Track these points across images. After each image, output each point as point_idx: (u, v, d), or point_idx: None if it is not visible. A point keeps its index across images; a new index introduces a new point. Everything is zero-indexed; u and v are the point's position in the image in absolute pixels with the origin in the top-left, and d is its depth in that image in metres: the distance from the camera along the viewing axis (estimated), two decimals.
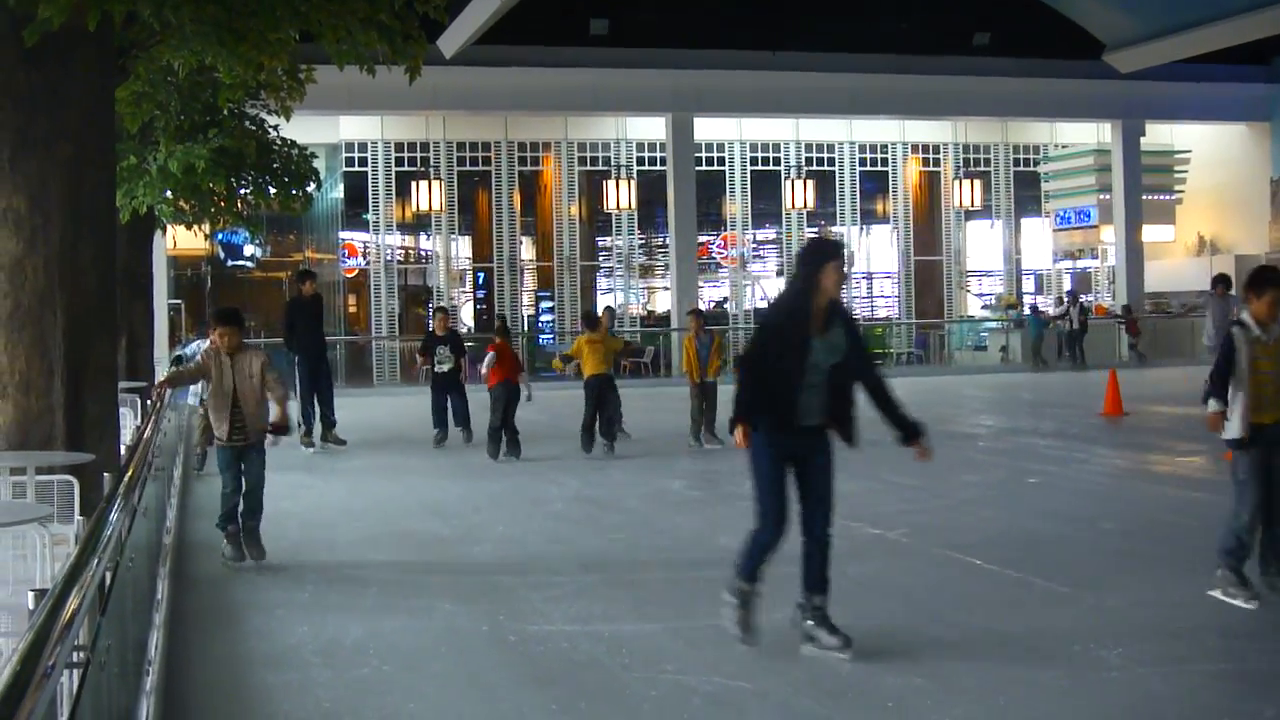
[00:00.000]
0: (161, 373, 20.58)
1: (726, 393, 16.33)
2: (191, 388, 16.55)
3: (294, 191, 18.58)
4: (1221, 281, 20.95)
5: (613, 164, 37.48)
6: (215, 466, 14.85)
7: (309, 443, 18.68)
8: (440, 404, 19.08)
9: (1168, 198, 41.55)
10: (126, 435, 11.39)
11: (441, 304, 32.31)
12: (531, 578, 10.15)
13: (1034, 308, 38.47)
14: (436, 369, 18.97)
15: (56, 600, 3.55)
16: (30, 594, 3.79)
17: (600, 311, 22.54)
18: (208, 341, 16.32)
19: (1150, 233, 40.33)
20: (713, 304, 40.00)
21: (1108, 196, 39.69)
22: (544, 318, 37.67)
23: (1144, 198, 39.82)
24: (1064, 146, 41.65)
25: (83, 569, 4.07)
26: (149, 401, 13.42)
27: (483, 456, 17.18)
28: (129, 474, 6.53)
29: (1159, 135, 41.25)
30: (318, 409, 18.94)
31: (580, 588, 9.80)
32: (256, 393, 10.83)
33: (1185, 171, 42.16)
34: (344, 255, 35.92)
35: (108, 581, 4.65)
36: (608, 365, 17.49)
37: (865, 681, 7.21)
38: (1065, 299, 37.48)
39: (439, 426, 19.06)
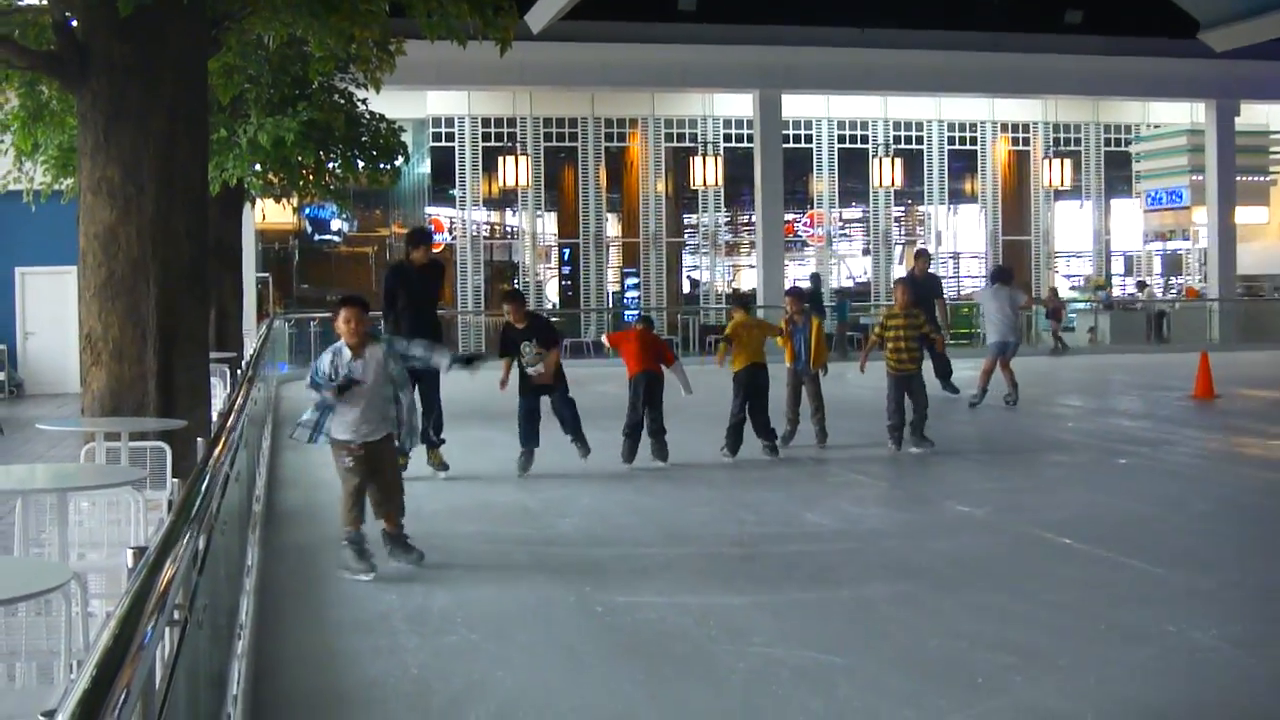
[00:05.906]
0: (250, 346, 19.88)
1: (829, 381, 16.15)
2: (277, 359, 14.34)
3: (382, 165, 18.68)
4: None
5: (699, 141, 37.32)
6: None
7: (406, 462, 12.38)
8: (533, 411, 13.84)
9: (1262, 179, 40.83)
10: (216, 404, 11.46)
11: (512, 286, 31.78)
12: (617, 550, 10.16)
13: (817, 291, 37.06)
14: (528, 369, 13.69)
15: (157, 557, 3.57)
16: (129, 552, 3.82)
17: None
18: (343, 345, 11.84)
19: (1243, 214, 39.52)
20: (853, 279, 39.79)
21: (1200, 177, 38.99)
22: (629, 294, 37.63)
23: (1238, 179, 39.02)
24: (1156, 126, 40.94)
25: (181, 529, 4.09)
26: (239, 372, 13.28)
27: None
28: (222, 440, 6.58)
29: (1254, 115, 40.43)
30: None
31: (667, 560, 9.81)
32: None
33: None
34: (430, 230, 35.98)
35: (202, 545, 4.68)
36: (760, 352, 14.74)
37: (955, 658, 7.16)
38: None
39: (528, 443, 13.87)
